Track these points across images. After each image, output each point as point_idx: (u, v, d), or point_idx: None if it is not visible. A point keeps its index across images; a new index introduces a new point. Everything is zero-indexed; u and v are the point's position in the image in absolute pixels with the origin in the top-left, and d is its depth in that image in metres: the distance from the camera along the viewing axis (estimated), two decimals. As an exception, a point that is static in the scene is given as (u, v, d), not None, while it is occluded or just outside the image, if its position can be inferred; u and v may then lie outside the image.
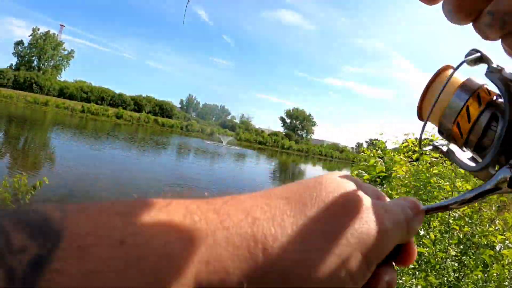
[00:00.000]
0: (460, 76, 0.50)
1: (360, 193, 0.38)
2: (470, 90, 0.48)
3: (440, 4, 0.40)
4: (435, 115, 0.50)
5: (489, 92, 0.48)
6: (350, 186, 0.39)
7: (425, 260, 3.29)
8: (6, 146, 18.80)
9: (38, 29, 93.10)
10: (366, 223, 0.35)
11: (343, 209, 0.35)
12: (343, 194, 0.36)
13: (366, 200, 0.37)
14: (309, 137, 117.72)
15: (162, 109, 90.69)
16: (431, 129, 4.52)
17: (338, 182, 0.38)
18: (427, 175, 4.16)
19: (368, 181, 4.16)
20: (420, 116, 0.53)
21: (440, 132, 0.51)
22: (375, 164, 4.12)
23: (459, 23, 0.40)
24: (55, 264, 0.22)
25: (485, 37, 0.39)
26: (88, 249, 0.23)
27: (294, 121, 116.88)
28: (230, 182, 20.04)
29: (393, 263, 0.41)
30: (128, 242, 0.25)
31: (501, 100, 0.46)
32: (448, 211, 3.92)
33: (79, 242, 0.24)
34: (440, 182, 4.08)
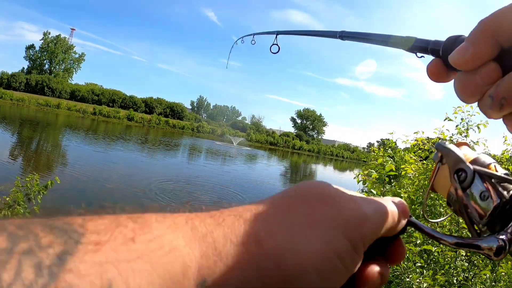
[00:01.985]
0: (471, 152, 0.53)
1: (336, 188, 0.44)
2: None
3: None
4: (444, 188, 0.53)
5: (496, 170, 0.50)
6: (326, 184, 0.44)
7: (434, 259, 3.26)
8: (19, 148, 19.01)
9: (49, 33, 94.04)
10: (344, 209, 0.40)
11: (321, 201, 0.41)
12: (319, 190, 0.42)
13: (343, 193, 0.43)
14: (320, 137, 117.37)
15: (173, 111, 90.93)
16: (443, 128, 4.49)
17: (315, 183, 0.44)
18: (436, 173, 4.14)
19: (377, 180, 4.13)
20: (432, 187, 0.56)
21: (448, 203, 0.54)
22: (384, 163, 4.09)
23: (466, 102, 0.47)
24: (76, 256, 0.26)
25: (488, 116, 0.43)
26: (103, 244, 0.28)
27: (305, 122, 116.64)
28: (240, 182, 20.01)
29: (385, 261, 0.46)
30: (138, 240, 0.30)
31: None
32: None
33: (96, 239, 0.28)
34: (450, 180, 4.05)
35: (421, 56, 0.57)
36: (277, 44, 1.67)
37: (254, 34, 2.28)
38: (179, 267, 0.30)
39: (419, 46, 0.55)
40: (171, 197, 13.18)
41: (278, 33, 1.63)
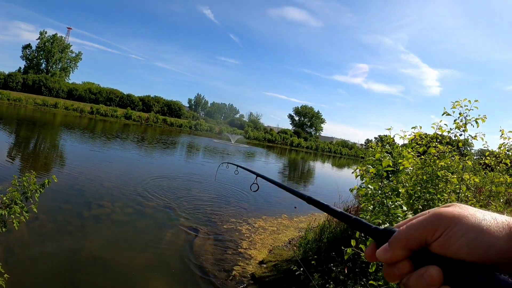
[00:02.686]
0: None
1: None
2: None
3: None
4: None
5: None
6: None
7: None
8: (17, 148, 18.97)
9: (46, 33, 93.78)
10: None
11: None
12: None
13: None
14: (318, 134, 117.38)
15: (170, 109, 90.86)
16: (440, 123, 4.47)
17: None
18: (434, 168, 4.12)
19: (375, 176, 4.12)
20: None
21: None
22: (381, 158, 4.06)
23: (390, 282, 0.67)
24: None
25: None
26: None
27: (302, 119, 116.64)
28: (238, 179, 19.95)
29: None
30: None
31: None
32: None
33: None
34: (448, 175, 4.03)
35: (364, 237, 0.74)
36: (256, 184, 1.97)
37: (238, 166, 2.67)
38: None
39: (364, 229, 0.69)
40: (170, 195, 13.18)
41: (258, 175, 1.95)
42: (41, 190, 4.50)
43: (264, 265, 8.04)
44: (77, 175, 14.03)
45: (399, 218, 3.32)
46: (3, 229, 4.24)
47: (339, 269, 5.61)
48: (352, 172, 4.45)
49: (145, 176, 16.10)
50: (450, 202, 3.94)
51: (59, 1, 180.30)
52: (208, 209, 12.34)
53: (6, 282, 4.60)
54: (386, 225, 3.30)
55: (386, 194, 3.61)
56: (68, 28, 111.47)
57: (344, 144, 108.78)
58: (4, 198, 4.28)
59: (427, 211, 0.61)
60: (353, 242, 2.66)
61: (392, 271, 0.58)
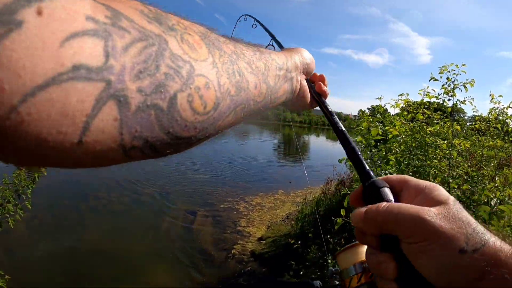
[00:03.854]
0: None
1: None
2: (363, 268, 0.76)
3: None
4: (342, 267, 0.80)
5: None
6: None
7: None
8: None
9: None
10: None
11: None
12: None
13: None
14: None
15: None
16: (428, 88, 4.46)
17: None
18: (422, 134, 4.12)
19: (364, 146, 4.12)
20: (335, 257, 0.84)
21: (340, 277, 0.81)
22: (370, 128, 4.06)
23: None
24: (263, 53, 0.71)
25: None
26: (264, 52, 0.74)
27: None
28: (234, 158, 19.97)
29: None
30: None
31: None
32: (448, 170, 3.89)
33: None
34: (437, 140, 4.02)
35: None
36: (272, 45, 1.68)
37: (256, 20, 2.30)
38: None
39: (358, 166, 0.68)
40: (164, 180, 13.19)
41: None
42: (32, 185, 4.47)
43: (263, 242, 8.11)
44: (72, 170, 13.93)
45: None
46: (-1, 228, 4.22)
47: (336, 240, 5.67)
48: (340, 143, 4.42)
49: (139, 164, 16.01)
50: (440, 168, 3.94)
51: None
52: (204, 190, 12.36)
53: (7, 283, 4.59)
54: (381, 175, 3.31)
55: (376, 163, 3.62)
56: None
57: (337, 116, 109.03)
58: (-3, 198, 4.25)
59: (423, 185, 0.57)
60: (342, 212, 2.66)
61: (360, 237, 0.59)
